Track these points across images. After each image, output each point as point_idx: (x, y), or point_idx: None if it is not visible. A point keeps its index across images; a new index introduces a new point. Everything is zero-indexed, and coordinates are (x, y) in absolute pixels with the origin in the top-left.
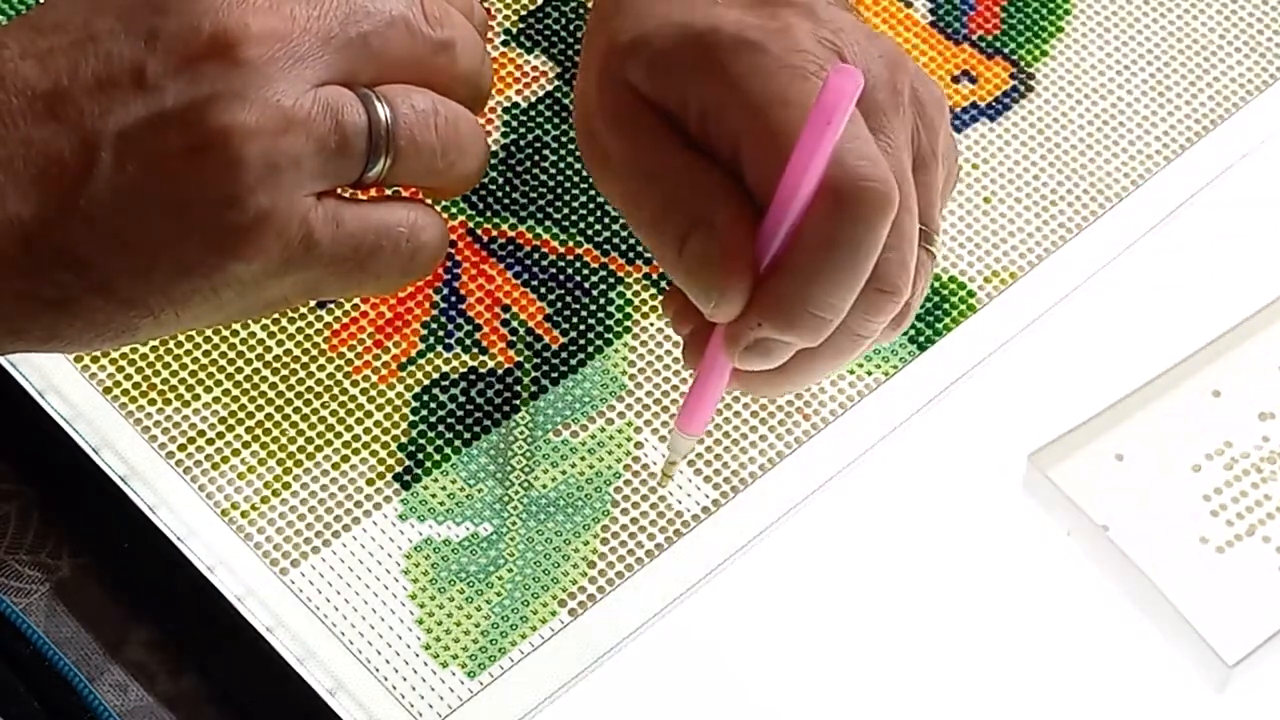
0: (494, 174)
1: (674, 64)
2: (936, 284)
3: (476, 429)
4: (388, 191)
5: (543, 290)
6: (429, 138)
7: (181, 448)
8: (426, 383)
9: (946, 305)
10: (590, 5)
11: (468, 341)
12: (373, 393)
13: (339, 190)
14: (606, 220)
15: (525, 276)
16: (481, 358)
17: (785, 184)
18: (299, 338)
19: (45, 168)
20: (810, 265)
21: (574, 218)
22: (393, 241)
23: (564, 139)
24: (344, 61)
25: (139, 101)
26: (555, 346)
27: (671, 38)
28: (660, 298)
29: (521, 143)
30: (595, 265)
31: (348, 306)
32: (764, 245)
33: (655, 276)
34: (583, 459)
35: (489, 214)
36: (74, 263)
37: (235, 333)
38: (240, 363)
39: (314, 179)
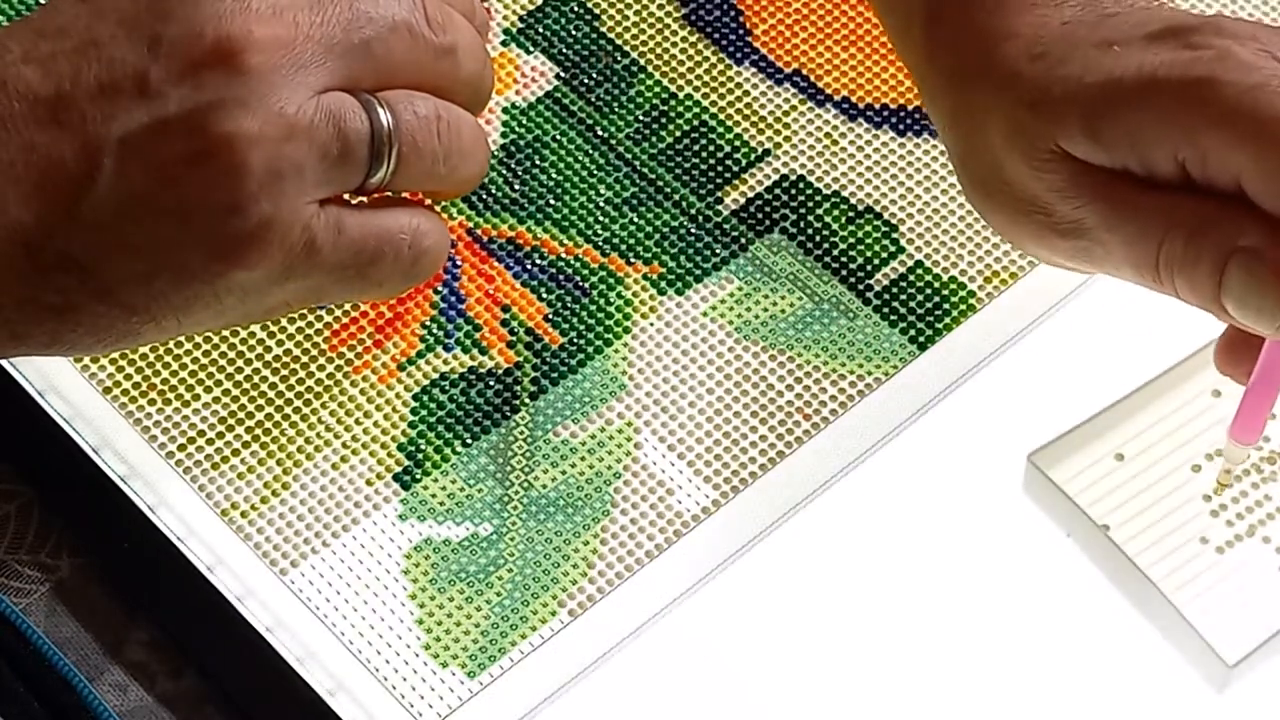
0: (494, 174)
1: (1127, 125)
2: (936, 284)
3: (476, 429)
4: (389, 194)
5: (543, 290)
6: (431, 143)
7: (181, 448)
8: (426, 383)
9: (946, 305)
10: (933, 58)
11: (468, 341)
12: (372, 393)
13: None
14: (606, 220)
15: (525, 276)
16: (481, 358)
17: None
18: (299, 338)
19: (47, 173)
20: None
21: (574, 218)
22: (394, 248)
23: (564, 139)
24: (346, 68)
25: (142, 108)
26: (555, 346)
27: (1108, 98)
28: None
29: (521, 143)
30: (595, 265)
31: (347, 307)
32: None
33: (655, 277)
34: (583, 459)
35: (489, 214)
36: (76, 268)
37: (235, 333)
38: (240, 363)
39: (316, 186)
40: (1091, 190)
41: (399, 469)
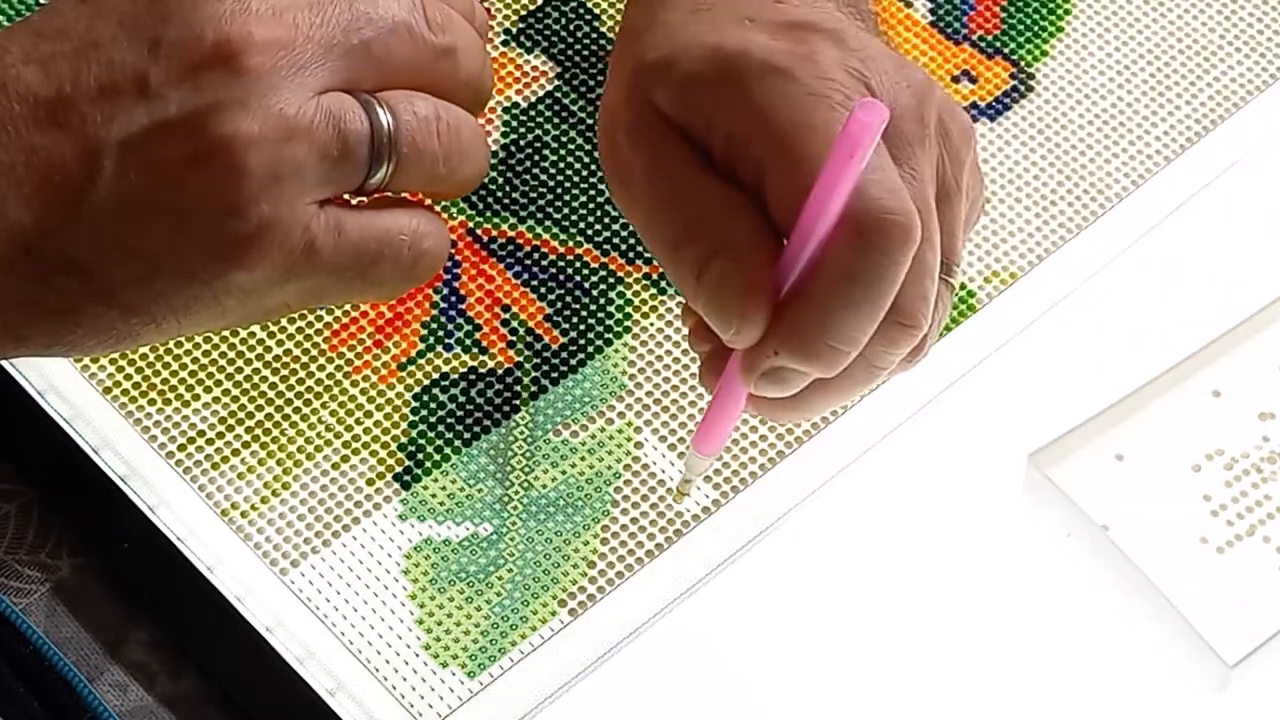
0: (494, 174)
1: (700, 87)
2: None
3: (476, 429)
4: (389, 195)
5: (543, 290)
6: (431, 144)
7: (181, 448)
8: (426, 383)
9: None
10: (623, 18)
11: (468, 341)
12: (372, 393)
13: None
14: (606, 220)
15: (525, 276)
16: (481, 358)
17: (807, 213)
18: (299, 338)
19: (48, 175)
20: (829, 297)
21: (574, 218)
22: (394, 250)
23: (564, 139)
24: (346, 69)
25: (142, 109)
26: (555, 346)
27: (699, 59)
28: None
29: (521, 143)
30: (595, 265)
31: (347, 307)
32: (784, 273)
33: (655, 277)
34: (583, 459)
35: (489, 214)
36: (76, 270)
37: (235, 333)
38: (240, 363)
39: (316, 187)
40: (657, 147)
41: (399, 469)
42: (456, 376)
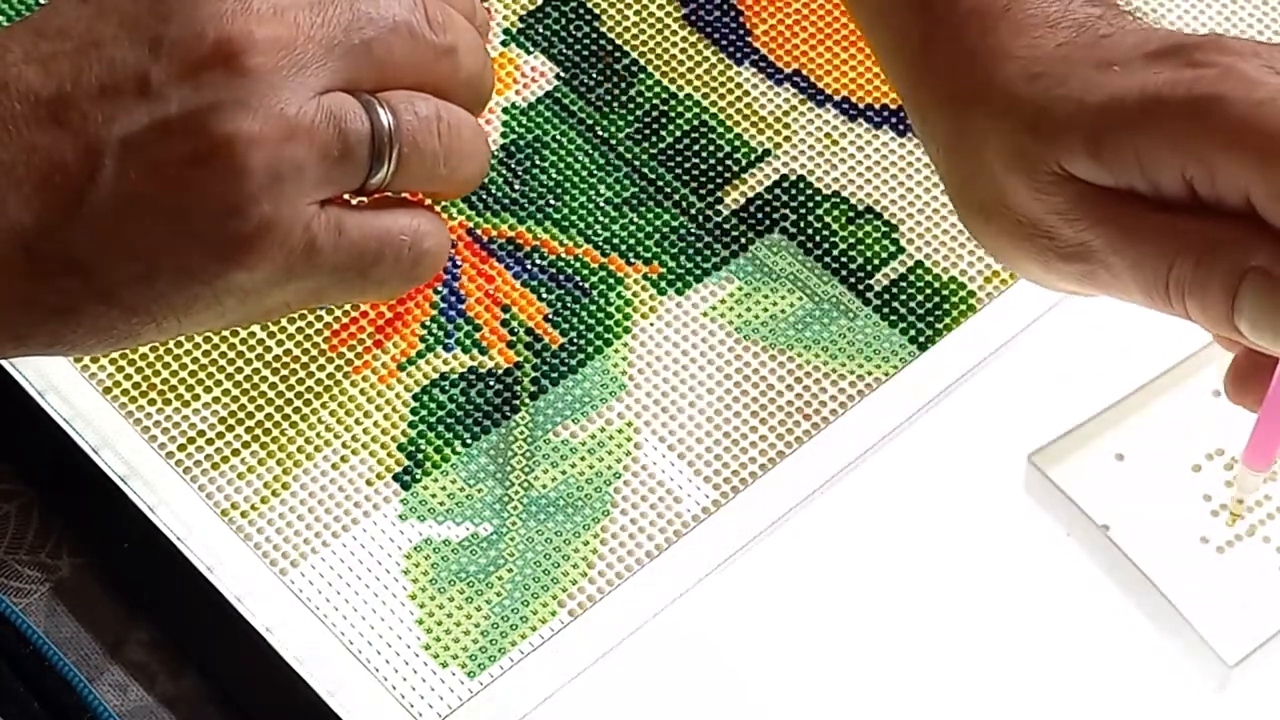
0: (494, 174)
1: (1132, 145)
2: (936, 284)
3: (476, 429)
4: (389, 194)
5: (543, 290)
6: (432, 144)
7: (181, 448)
8: (426, 383)
9: (946, 305)
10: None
11: (468, 341)
12: (372, 393)
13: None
14: (606, 220)
15: (525, 276)
16: (481, 358)
17: None
18: (299, 338)
19: (48, 174)
20: None
21: (574, 218)
22: (395, 250)
23: (564, 139)
24: (347, 68)
25: (142, 109)
26: (555, 346)
27: (1111, 118)
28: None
29: (521, 143)
30: (595, 265)
31: (347, 307)
32: None
33: (655, 277)
34: (583, 459)
35: (489, 214)
36: (77, 269)
37: (235, 333)
38: (240, 363)
39: (317, 187)
40: (1096, 212)
41: (399, 469)
42: (456, 376)
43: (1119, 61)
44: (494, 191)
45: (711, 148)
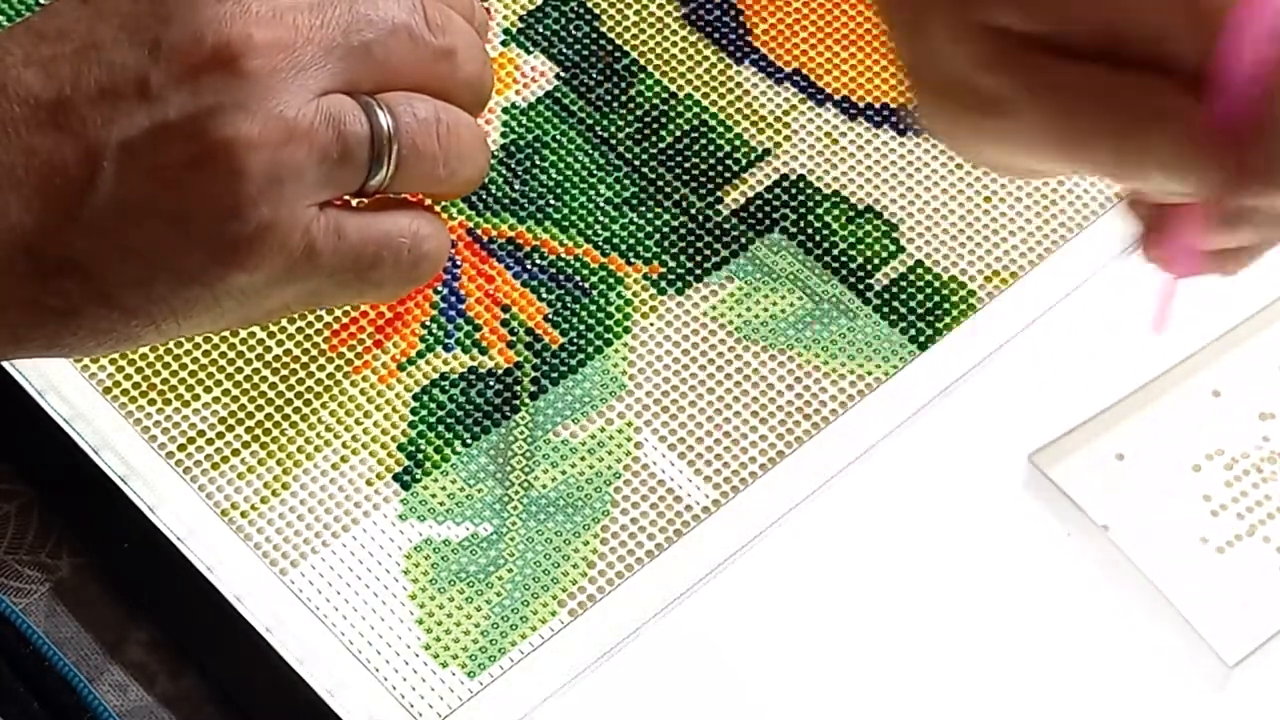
0: (494, 174)
1: None
2: (936, 284)
3: (476, 429)
4: (389, 196)
5: (543, 290)
6: (431, 145)
7: (181, 448)
8: (426, 383)
9: (946, 305)
10: None
11: (468, 341)
12: (372, 393)
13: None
14: (606, 220)
15: (525, 276)
16: (481, 358)
17: (1230, 44)
18: (299, 338)
19: (48, 177)
20: None
21: (574, 218)
22: (394, 252)
23: (564, 139)
24: (346, 70)
25: (142, 112)
26: (555, 346)
27: None
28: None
29: (521, 143)
30: (595, 265)
31: (348, 307)
32: (1223, 114)
33: (655, 277)
34: (583, 459)
35: (489, 214)
36: (76, 272)
37: (235, 333)
38: (240, 363)
39: (316, 189)
40: (1016, 61)
41: (399, 469)
42: (456, 376)
43: None
44: (494, 191)
45: (711, 147)
